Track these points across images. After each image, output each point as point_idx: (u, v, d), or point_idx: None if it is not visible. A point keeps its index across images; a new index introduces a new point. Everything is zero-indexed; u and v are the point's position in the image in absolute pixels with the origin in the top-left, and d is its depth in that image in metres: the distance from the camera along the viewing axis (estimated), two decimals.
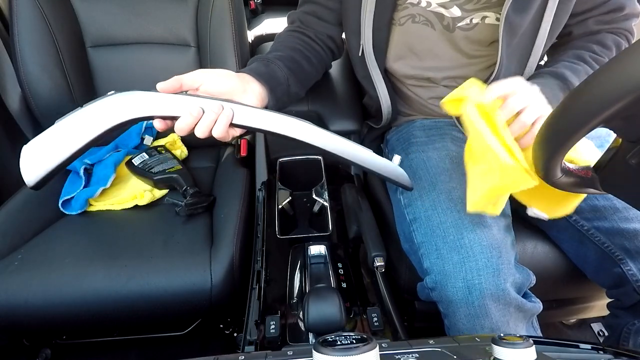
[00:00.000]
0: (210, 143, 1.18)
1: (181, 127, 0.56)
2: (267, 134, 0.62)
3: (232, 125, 0.58)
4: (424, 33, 0.77)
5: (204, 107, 0.56)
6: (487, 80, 0.76)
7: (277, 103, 0.71)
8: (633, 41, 0.79)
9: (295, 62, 0.78)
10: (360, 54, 0.81)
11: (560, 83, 0.70)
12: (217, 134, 0.57)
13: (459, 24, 0.75)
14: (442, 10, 0.74)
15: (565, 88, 0.70)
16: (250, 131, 0.62)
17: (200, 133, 0.57)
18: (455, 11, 0.73)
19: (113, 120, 0.57)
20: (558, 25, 0.74)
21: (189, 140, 1.17)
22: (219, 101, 0.58)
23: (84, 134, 0.57)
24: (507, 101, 0.60)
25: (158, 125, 0.57)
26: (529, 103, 0.60)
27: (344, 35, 0.88)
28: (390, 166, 0.65)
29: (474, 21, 0.74)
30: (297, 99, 0.81)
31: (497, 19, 0.74)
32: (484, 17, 0.74)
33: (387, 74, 0.86)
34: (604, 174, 0.51)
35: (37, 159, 0.59)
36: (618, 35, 0.79)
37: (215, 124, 0.57)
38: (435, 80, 0.84)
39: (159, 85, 0.57)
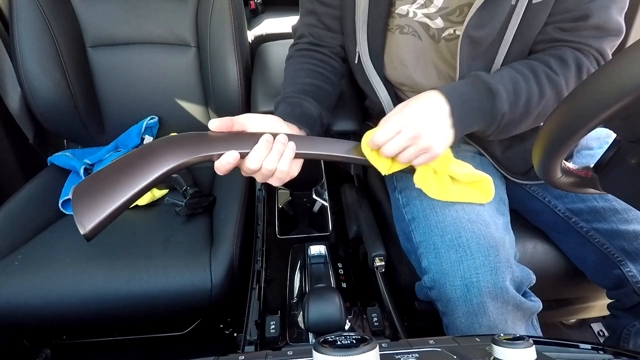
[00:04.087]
0: None
1: (254, 160, 0.57)
2: (329, 160, 0.65)
3: (296, 156, 0.60)
4: (411, 43, 0.77)
5: (271, 139, 0.58)
6: None
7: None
8: (601, 64, 0.68)
9: (320, 90, 0.78)
10: (356, 62, 0.81)
11: (484, 96, 0.65)
12: (284, 166, 0.58)
13: (443, 35, 0.74)
14: (427, 20, 0.73)
15: (486, 101, 0.64)
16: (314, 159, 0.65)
17: (270, 164, 0.57)
18: (439, 22, 0.72)
19: (183, 159, 0.56)
20: (524, 39, 0.69)
21: None
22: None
23: (152, 174, 0.53)
24: (381, 151, 0.63)
25: (227, 167, 0.57)
26: (403, 125, 0.61)
27: None
28: None
29: (457, 32, 0.73)
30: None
31: None
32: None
33: (387, 80, 0.86)
34: (604, 174, 0.51)
35: (92, 202, 0.50)
36: (583, 52, 0.68)
37: (282, 155, 0.58)
38: (425, 88, 0.82)
39: (212, 123, 0.58)
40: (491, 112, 0.64)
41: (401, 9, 0.72)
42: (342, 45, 0.84)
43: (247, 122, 0.61)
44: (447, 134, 0.63)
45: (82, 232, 0.47)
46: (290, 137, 0.60)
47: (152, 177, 0.52)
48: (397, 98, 0.89)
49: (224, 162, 0.56)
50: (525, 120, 0.67)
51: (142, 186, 0.51)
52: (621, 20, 0.67)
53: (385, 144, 0.61)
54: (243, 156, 0.57)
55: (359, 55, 0.80)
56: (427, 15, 0.72)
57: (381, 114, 0.90)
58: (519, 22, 0.65)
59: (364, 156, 0.65)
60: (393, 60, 0.81)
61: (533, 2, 0.64)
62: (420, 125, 0.61)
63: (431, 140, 0.61)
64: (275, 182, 0.60)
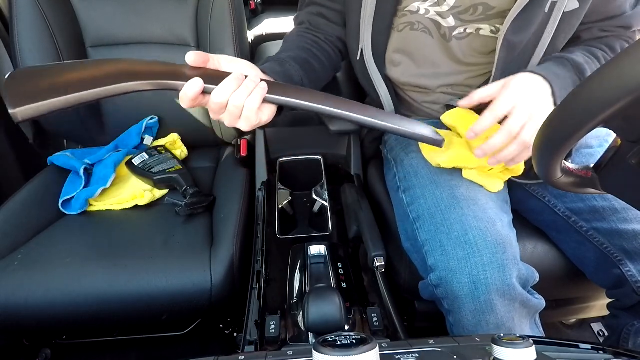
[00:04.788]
0: (211, 143, 1.19)
1: (222, 93, 0.54)
2: (300, 109, 0.61)
3: (264, 101, 0.57)
4: (422, 40, 0.77)
5: (242, 77, 0.55)
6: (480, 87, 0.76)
7: None
8: None
9: (307, 62, 0.78)
10: (358, 58, 0.81)
11: (574, 74, 0.70)
12: (253, 104, 0.55)
13: (454, 33, 0.75)
14: (439, 19, 0.74)
15: (577, 79, 0.69)
16: (286, 106, 0.61)
17: (238, 100, 0.55)
18: (451, 20, 0.73)
19: (146, 81, 0.53)
20: (559, 41, 0.73)
21: (189, 140, 1.17)
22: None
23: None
24: (492, 104, 0.62)
25: (190, 95, 0.54)
26: (514, 107, 0.61)
27: None
28: (418, 126, 0.66)
29: (468, 31, 0.75)
30: None
31: (492, 32, 0.74)
32: (478, 29, 0.75)
33: (387, 77, 0.86)
34: (604, 174, 0.51)
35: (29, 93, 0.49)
36: (626, 41, 0.78)
37: (251, 94, 0.56)
38: (431, 87, 0.84)
39: (189, 56, 0.55)
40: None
41: (412, 5, 0.73)
42: (340, 37, 0.85)
43: (222, 61, 0.59)
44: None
45: (10, 110, 0.48)
46: (265, 81, 0.59)
47: (105, 88, 0.51)
48: (397, 96, 0.90)
49: (187, 91, 0.54)
50: None
51: (90, 93, 0.50)
52: None
53: (493, 138, 0.62)
54: (210, 91, 0.55)
55: (361, 51, 0.80)
56: (439, 14, 0.73)
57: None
58: (555, 28, 0.69)
59: (354, 111, 0.61)
60: (396, 58, 0.81)
61: (565, 11, 0.67)
62: (533, 107, 0.62)
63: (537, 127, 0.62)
64: (244, 124, 0.57)
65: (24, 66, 0.99)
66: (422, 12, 0.73)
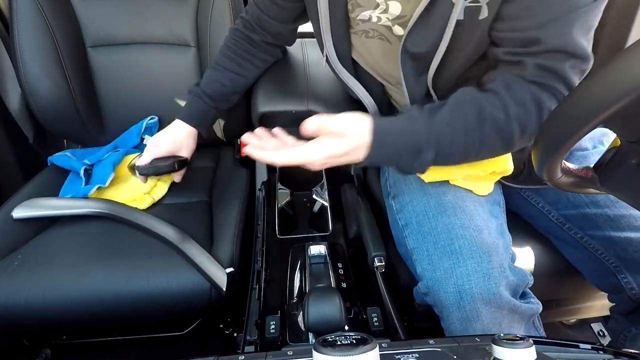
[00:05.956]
0: (211, 143, 1.19)
1: None
2: None
3: None
4: (381, 47, 0.74)
5: None
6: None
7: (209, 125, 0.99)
8: (565, 94, 0.60)
9: (224, 87, 0.92)
10: (324, 65, 0.81)
11: (413, 141, 0.62)
12: None
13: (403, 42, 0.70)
14: (390, 24, 0.70)
15: (415, 146, 0.62)
16: None
17: None
18: (398, 30, 0.69)
19: None
20: (459, 55, 0.66)
21: None
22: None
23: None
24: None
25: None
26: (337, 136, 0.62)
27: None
28: None
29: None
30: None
31: None
32: None
33: (361, 79, 0.83)
34: (604, 174, 0.51)
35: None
36: (540, 86, 0.60)
37: None
38: (401, 86, 0.79)
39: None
40: (412, 162, 0.63)
41: (363, 14, 0.70)
42: (279, 32, 0.89)
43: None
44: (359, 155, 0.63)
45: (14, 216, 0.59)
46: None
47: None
48: (384, 92, 0.86)
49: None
50: (456, 161, 0.67)
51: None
52: (585, 43, 0.58)
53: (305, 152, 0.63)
54: None
55: (326, 56, 0.80)
56: (388, 22, 0.70)
57: (365, 109, 0.89)
58: (449, 38, 0.62)
59: None
60: (367, 59, 0.80)
61: (460, 19, 0.60)
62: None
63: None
64: None
65: (24, 66, 1.00)
66: (374, 19, 0.70)
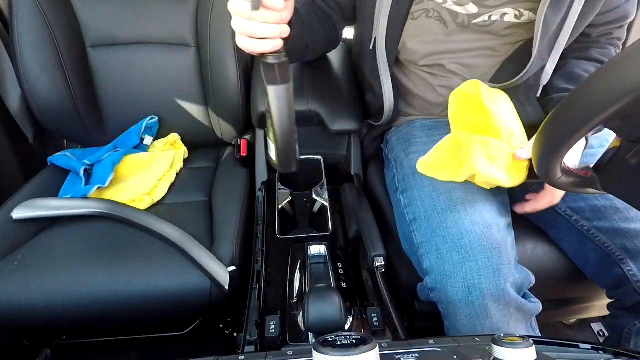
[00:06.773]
0: (211, 143, 1.19)
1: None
2: None
3: None
4: (435, 29, 0.76)
5: None
6: (518, 74, 0.75)
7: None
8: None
9: (309, 17, 0.77)
10: (371, 47, 0.80)
11: None
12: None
13: (475, 21, 0.73)
14: (456, 8, 0.72)
15: None
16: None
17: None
18: (472, 8, 0.71)
19: None
20: (581, 23, 0.73)
21: (189, 140, 1.17)
22: None
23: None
24: None
25: None
26: None
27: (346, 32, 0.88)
28: None
29: (492, 18, 0.73)
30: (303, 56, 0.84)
31: (516, 16, 0.73)
32: (503, 14, 0.73)
33: (393, 70, 0.85)
34: (604, 174, 0.51)
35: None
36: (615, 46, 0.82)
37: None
38: (448, 67, 0.82)
39: None
40: None
41: None
42: (335, 25, 0.85)
43: None
44: None
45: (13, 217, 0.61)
46: None
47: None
48: (400, 89, 0.88)
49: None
50: None
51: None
52: None
53: None
54: None
55: (374, 40, 0.79)
56: (457, 3, 0.72)
57: (380, 108, 0.90)
58: (581, 5, 0.69)
59: None
60: (412, 45, 0.80)
61: None
62: None
63: None
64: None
65: (24, 66, 1.00)
66: (439, 0, 0.72)
